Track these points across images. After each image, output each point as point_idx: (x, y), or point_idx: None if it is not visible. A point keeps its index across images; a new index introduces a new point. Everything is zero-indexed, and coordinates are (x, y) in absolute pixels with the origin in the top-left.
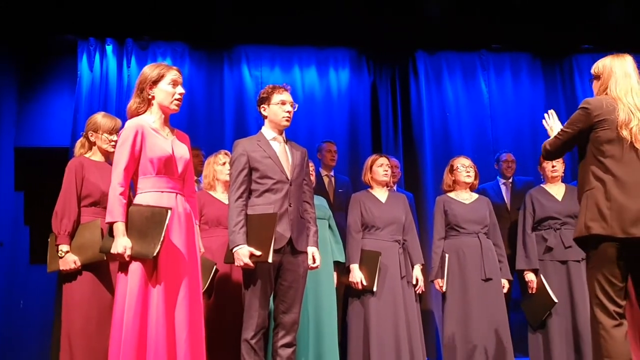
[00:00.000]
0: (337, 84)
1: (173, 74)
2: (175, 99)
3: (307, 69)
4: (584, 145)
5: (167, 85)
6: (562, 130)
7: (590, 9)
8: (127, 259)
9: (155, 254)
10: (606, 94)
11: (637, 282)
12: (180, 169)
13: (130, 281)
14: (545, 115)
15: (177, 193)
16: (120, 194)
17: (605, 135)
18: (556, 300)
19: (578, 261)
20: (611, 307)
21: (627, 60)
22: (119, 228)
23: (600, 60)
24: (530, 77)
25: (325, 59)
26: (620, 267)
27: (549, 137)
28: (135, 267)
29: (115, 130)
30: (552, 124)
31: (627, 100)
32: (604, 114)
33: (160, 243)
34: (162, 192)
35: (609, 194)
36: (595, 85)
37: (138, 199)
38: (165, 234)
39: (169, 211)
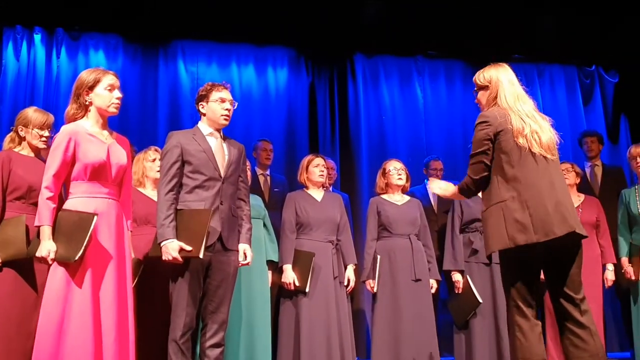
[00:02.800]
0: (275, 83)
1: (109, 79)
2: (113, 103)
3: (245, 67)
4: (490, 158)
5: (103, 90)
6: (475, 154)
7: (521, 21)
8: (51, 262)
9: (76, 258)
10: (495, 103)
11: (551, 280)
12: (114, 174)
13: (51, 285)
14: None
15: (109, 198)
16: (48, 199)
17: (507, 145)
18: (481, 301)
19: None
20: (526, 309)
21: (508, 69)
22: (45, 232)
23: (482, 71)
24: (463, 84)
25: (263, 58)
26: (534, 269)
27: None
28: (58, 271)
29: (47, 126)
30: (436, 185)
31: (516, 108)
32: (501, 124)
33: (82, 248)
34: (94, 197)
35: (525, 203)
36: (483, 95)
37: (68, 204)
38: (94, 239)
39: (95, 217)
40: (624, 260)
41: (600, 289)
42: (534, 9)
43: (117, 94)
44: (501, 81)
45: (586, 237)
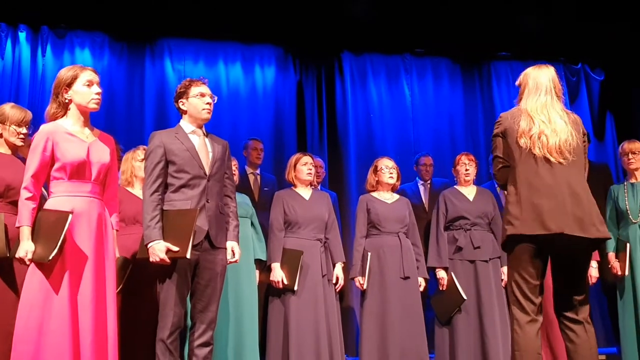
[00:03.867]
0: (263, 81)
1: (88, 75)
2: (93, 99)
3: (232, 65)
4: (504, 152)
5: (82, 86)
6: (492, 151)
7: (507, 19)
8: (28, 263)
9: (50, 258)
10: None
11: (556, 278)
12: (94, 173)
13: (28, 287)
14: None
15: (91, 197)
16: (27, 199)
17: (511, 144)
18: (465, 297)
19: (486, 261)
20: (526, 304)
21: (543, 71)
22: (24, 232)
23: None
24: (450, 81)
25: (250, 56)
26: (536, 266)
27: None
28: (35, 273)
29: (25, 123)
30: None
31: (532, 110)
32: (509, 124)
33: (57, 247)
34: (74, 196)
35: (519, 197)
36: (519, 93)
37: (48, 204)
38: (70, 238)
39: (70, 215)
40: (611, 255)
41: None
42: (520, 7)
43: (96, 89)
44: (528, 83)
45: (601, 240)
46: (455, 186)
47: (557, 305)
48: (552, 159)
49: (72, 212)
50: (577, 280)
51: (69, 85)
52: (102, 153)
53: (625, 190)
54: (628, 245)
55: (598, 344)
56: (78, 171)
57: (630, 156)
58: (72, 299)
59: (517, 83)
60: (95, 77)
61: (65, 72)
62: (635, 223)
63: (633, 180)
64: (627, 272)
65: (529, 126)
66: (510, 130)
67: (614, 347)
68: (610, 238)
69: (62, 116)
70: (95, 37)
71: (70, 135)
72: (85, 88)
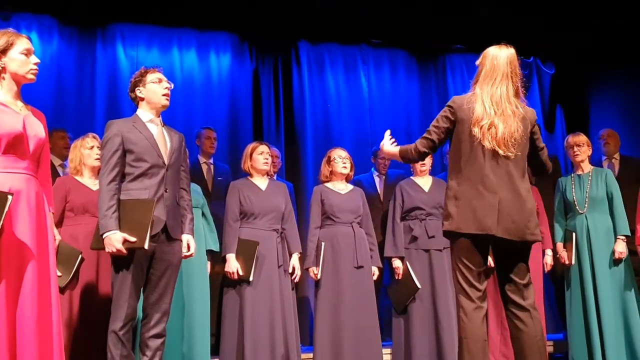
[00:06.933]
0: (218, 69)
1: (25, 43)
2: (32, 69)
3: (187, 52)
4: (450, 142)
5: (19, 54)
6: (431, 129)
7: (461, 11)
8: None
9: None
10: (476, 84)
11: (499, 266)
12: (32, 148)
13: None
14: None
15: (28, 175)
16: None
17: (462, 134)
18: (420, 286)
19: (440, 250)
20: (470, 292)
21: (503, 52)
22: None
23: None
24: (406, 73)
25: (206, 42)
26: (477, 255)
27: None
28: None
29: None
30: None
31: (485, 93)
32: (464, 113)
33: None
34: (10, 172)
35: (458, 193)
36: (477, 73)
37: None
38: (9, 222)
39: (10, 196)
40: (559, 245)
41: (541, 275)
42: (475, 0)
43: (35, 59)
44: (485, 64)
45: (533, 242)
46: (411, 177)
47: (502, 292)
48: (500, 152)
49: (12, 193)
50: (518, 266)
51: (4, 51)
52: (37, 127)
53: (572, 182)
54: (574, 235)
55: (546, 331)
56: (14, 145)
57: (575, 149)
58: (10, 287)
59: (477, 62)
60: (32, 47)
61: None
62: (582, 213)
63: (579, 172)
64: (573, 261)
65: (482, 115)
66: (465, 120)
67: (561, 333)
68: (540, 240)
69: None
70: (43, 20)
71: (4, 105)
72: (23, 56)
